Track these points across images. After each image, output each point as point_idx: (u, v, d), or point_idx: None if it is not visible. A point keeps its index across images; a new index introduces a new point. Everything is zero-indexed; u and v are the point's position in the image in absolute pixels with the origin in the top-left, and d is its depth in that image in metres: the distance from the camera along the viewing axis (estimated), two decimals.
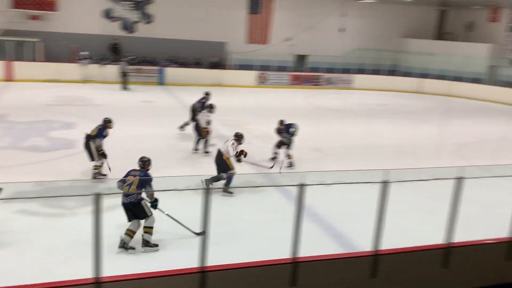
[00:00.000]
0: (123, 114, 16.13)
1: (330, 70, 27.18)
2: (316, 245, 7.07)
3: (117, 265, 5.98)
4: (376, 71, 27.84)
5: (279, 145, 11.39)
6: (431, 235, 6.85)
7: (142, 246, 6.86)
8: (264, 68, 25.94)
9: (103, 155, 9.47)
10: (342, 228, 8.30)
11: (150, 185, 6.90)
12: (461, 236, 6.53)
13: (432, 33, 30.23)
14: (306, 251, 5.66)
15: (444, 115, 19.04)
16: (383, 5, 27.81)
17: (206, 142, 11.84)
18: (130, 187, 6.80)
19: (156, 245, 6.92)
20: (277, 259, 5.57)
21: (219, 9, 25.32)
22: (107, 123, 9.69)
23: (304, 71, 27.00)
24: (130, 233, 6.82)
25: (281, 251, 5.60)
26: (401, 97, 25.11)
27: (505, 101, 24.44)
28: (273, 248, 6.31)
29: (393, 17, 28.75)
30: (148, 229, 6.86)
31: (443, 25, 30.31)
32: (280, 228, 7.77)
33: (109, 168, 9.49)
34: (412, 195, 9.62)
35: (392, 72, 28.33)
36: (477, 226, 7.75)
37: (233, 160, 9.21)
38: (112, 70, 21.96)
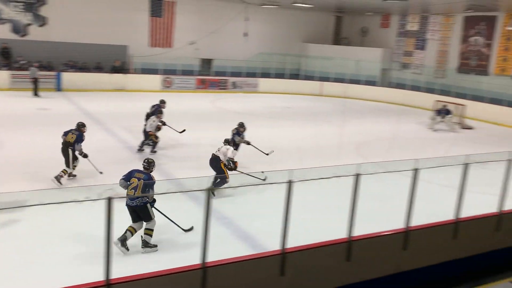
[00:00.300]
0: (19, 122, 15.06)
1: (235, 74, 27.49)
2: (225, 248, 7.10)
3: (120, 266, 5.97)
4: (280, 75, 28.66)
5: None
6: (335, 230, 7.17)
7: (142, 247, 7.10)
8: (169, 72, 25.56)
9: (85, 156, 9.91)
10: (249, 229, 8.41)
11: (153, 188, 7.15)
12: (362, 229, 6.93)
13: (330, 38, 31.78)
14: (216, 255, 5.66)
15: (343, 116, 20.10)
16: (284, 11, 28.72)
17: (152, 144, 12.66)
18: (135, 191, 6.97)
19: (155, 246, 7.18)
20: (187, 266, 5.50)
21: (119, 11, 24.51)
22: (81, 128, 10.01)
23: (210, 75, 27.04)
24: (132, 230, 7.05)
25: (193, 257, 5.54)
26: (304, 99, 26.07)
27: (396, 101, 26.36)
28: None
29: (294, 23, 29.82)
30: (149, 231, 7.11)
31: (340, 31, 32.00)
32: (189, 234, 7.75)
33: (100, 172, 10.07)
34: (316, 193, 10.03)
35: (295, 76, 29.33)
36: (376, 219, 8.24)
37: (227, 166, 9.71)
38: (1, 76, 20.36)
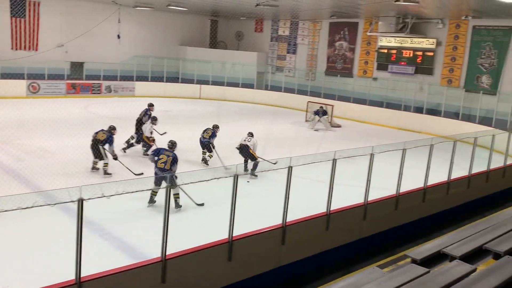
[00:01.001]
0: None
1: (110, 78, 26.38)
2: (104, 260, 6.78)
3: None
4: (158, 78, 28.15)
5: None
6: (216, 232, 7.24)
7: (175, 208, 9.02)
8: (35, 76, 23.70)
9: (115, 158, 11.23)
10: (128, 239, 8.16)
11: (177, 164, 9.31)
12: (244, 228, 7.09)
13: (207, 41, 32.02)
14: (94, 268, 5.39)
15: (221, 118, 20.36)
16: (159, 13, 28.28)
17: (147, 147, 13.53)
18: (165, 165, 9.17)
19: (181, 206, 9.27)
20: (60, 283, 5.16)
21: None
22: (112, 130, 11.63)
23: (81, 79, 25.61)
24: (154, 193, 9.16)
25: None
26: (183, 103, 25.93)
27: (272, 103, 27.44)
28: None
29: (171, 26, 29.51)
30: (177, 195, 9.10)
31: (216, 34, 32.41)
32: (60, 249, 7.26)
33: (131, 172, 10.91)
34: (195, 197, 10.04)
35: (173, 79, 29.01)
36: (256, 217, 8.48)
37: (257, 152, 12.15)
38: None
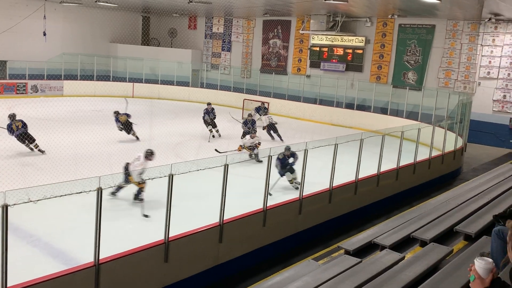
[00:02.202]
0: None
1: (36, 77, 25.17)
2: (33, 268, 6.50)
3: None
4: (87, 77, 27.19)
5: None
6: (152, 233, 7.14)
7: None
8: None
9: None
10: (60, 245, 7.87)
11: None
12: (181, 228, 7.04)
13: (139, 38, 31.32)
14: (23, 277, 5.16)
15: (155, 117, 20.03)
16: (88, 9, 27.30)
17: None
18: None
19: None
20: None
21: None
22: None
23: (4, 79, 24.22)
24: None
25: None
26: (115, 102, 25.15)
27: (207, 101, 27.15)
28: None
29: (100, 22, 28.53)
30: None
31: (149, 31, 31.79)
32: None
33: None
34: (129, 200, 9.84)
35: (104, 77, 28.12)
36: (193, 217, 8.45)
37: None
38: None
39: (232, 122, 19.31)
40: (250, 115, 17.93)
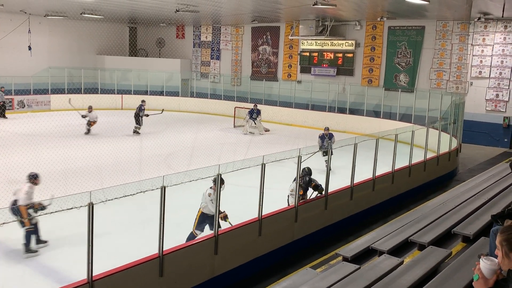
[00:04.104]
0: None
1: (22, 92, 25.06)
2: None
3: None
4: (75, 90, 27.09)
5: None
6: (145, 247, 7.09)
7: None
8: None
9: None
10: (52, 263, 7.79)
11: None
12: (175, 241, 7.00)
13: (127, 50, 31.29)
14: None
15: (146, 128, 19.99)
16: (73, 22, 27.18)
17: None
18: None
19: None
20: None
21: None
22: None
23: None
24: None
25: None
26: (104, 114, 25.04)
27: (199, 110, 27.31)
28: None
29: (86, 34, 28.41)
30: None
31: (136, 42, 31.77)
32: None
33: None
34: (122, 212, 9.78)
35: (92, 90, 28.04)
36: (186, 229, 8.42)
37: None
38: None
39: (223, 131, 19.31)
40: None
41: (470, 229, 7.67)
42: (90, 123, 19.56)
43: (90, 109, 19.78)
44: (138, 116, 19.91)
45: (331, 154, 11.37)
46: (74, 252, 7.87)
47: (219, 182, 7.40)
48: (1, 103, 22.96)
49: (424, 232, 7.82)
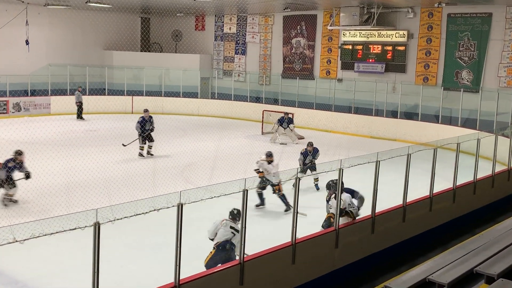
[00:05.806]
0: None
1: (18, 93, 25.74)
2: None
3: None
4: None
5: None
6: (158, 274, 7.15)
7: None
8: None
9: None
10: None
11: None
12: (192, 268, 7.04)
13: (138, 44, 31.82)
14: None
15: (160, 135, 20.22)
16: (77, 12, 27.81)
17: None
18: None
19: None
20: None
21: None
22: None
23: None
24: None
25: None
26: (111, 119, 25.57)
27: (221, 114, 27.47)
28: None
29: (92, 27, 29.05)
30: None
31: (149, 35, 32.28)
32: None
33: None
34: (134, 234, 9.90)
35: (98, 91, 28.57)
36: (205, 252, 8.46)
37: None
38: None
39: (249, 138, 19.34)
40: None
41: None
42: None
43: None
44: (144, 130, 17.77)
45: (314, 170, 12.33)
46: (77, 280, 7.99)
47: (246, 198, 7.38)
48: (78, 103, 25.46)
49: (493, 262, 7.66)
